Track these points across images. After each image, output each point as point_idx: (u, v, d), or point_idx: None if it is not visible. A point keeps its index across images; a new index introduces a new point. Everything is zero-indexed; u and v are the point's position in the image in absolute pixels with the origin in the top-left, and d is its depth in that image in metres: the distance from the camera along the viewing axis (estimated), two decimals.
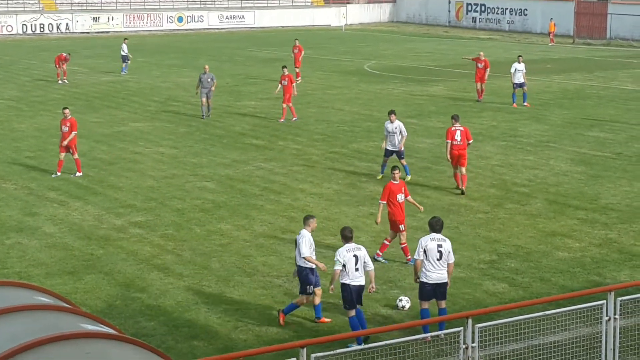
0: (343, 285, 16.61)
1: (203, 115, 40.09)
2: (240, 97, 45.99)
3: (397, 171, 21.41)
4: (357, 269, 16.57)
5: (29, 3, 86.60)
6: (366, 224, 24.06)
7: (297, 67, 52.06)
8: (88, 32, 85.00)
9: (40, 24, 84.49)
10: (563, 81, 52.58)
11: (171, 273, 20.40)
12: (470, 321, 13.47)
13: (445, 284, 16.91)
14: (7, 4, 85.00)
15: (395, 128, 28.22)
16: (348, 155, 32.51)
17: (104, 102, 44.71)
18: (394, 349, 13.12)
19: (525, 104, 43.09)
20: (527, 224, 24.23)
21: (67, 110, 29.45)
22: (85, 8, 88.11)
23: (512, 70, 43.32)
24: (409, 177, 28.20)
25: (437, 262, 16.76)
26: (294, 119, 39.08)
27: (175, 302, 18.71)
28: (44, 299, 11.58)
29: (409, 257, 20.81)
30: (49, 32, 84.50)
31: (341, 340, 14.05)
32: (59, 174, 29.24)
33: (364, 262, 16.67)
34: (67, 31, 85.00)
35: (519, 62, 43.42)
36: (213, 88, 40.10)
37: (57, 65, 51.48)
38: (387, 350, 13.04)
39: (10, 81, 52.56)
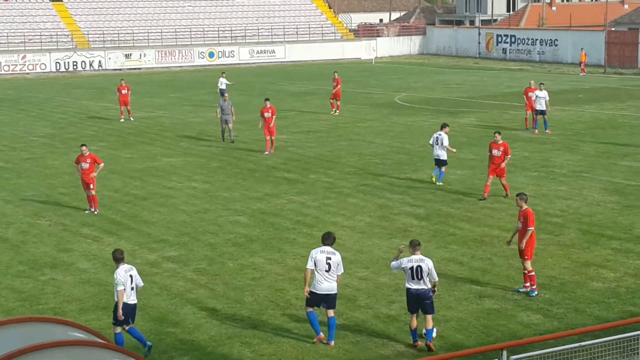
0: (123, 304, 17.46)
1: (223, 139, 43.06)
2: None
3: (518, 198, 21.15)
4: (132, 288, 17.54)
5: (62, 41, 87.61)
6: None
7: (338, 100, 52.52)
8: (120, 69, 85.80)
9: (73, 62, 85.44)
10: (595, 111, 52.39)
11: (204, 307, 20.43)
12: (505, 353, 13.39)
13: (334, 294, 17.96)
14: (41, 42, 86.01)
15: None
16: (380, 187, 32.49)
17: (137, 138, 45.03)
18: None
19: (547, 131, 43.60)
20: (561, 254, 24.08)
21: (84, 147, 29.77)
22: (117, 45, 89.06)
23: (534, 97, 43.84)
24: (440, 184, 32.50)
25: (325, 273, 17.83)
26: (266, 153, 39.54)
27: (208, 336, 18.72)
28: (79, 335, 11.63)
29: (529, 286, 20.97)
30: (82, 69, 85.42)
31: None
32: (92, 210, 29.46)
33: (137, 280, 17.70)
34: (100, 68, 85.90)
35: (540, 90, 44.17)
36: (234, 117, 42.92)
37: (120, 104, 51.49)
38: None
39: (44, 119, 53.08)
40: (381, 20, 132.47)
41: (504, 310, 19.96)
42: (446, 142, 32.39)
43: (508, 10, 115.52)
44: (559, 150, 39.32)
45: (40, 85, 73.97)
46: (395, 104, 57.71)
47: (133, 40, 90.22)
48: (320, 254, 17.96)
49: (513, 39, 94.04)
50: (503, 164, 30.07)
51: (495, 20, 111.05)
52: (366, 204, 30.07)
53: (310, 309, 18.13)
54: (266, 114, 39.40)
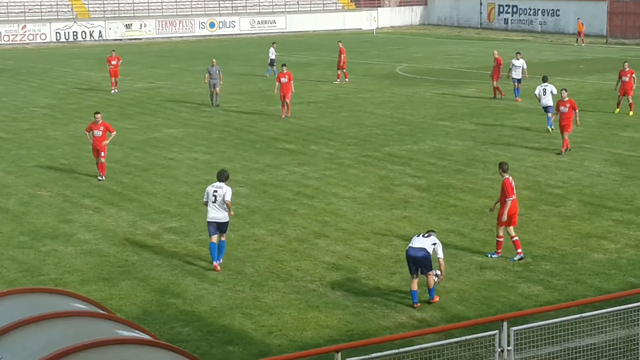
0: None
1: (212, 103, 45.02)
2: (272, 101, 46.01)
3: (499, 168, 21.54)
4: None
5: (62, 11, 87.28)
6: (399, 227, 24.01)
7: (343, 69, 53.28)
8: (121, 39, 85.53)
9: (73, 32, 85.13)
10: (597, 82, 52.25)
11: (205, 278, 20.46)
12: (505, 324, 13.40)
13: (224, 222, 20.75)
14: (41, 12, 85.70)
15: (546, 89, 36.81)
16: (381, 158, 32.47)
17: (137, 109, 44.96)
18: (429, 353, 13.08)
19: (517, 98, 44.15)
20: (562, 225, 24.08)
21: (98, 115, 29.95)
22: (117, 15, 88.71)
23: (510, 66, 45.01)
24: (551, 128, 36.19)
25: (213, 204, 20.78)
26: (282, 116, 41.16)
27: (209, 307, 18.76)
28: (80, 306, 11.64)
29: (521, 252, 21.39)
30: (82, 39, 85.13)
31: (376, 344, 13.99)
32: (103, 177, 29.59)
33: None
34: (100, 38, 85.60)
35: (517, 59, 45.33)
36: (221, 82, 44.72)
37: (111, 75, 51.03)
38: (422, 354, 12.99)
39: (44, 89, 52.97)
40: None
41: (505, 282, 19.99)
42: (554, 91, 36.45)
43: None
44: None
45: (40, 55, 73.75)
46: (396, 74, 57.56)
47: (133, 10, 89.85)
48: (210, 188, 21.04)
49: (515, 9, 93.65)
50: (575, 120, 32.24)
51: None
52: (367, 175, 30.06)
53: (211, 240, 20.80)
54: (282, 79, 40.70)
